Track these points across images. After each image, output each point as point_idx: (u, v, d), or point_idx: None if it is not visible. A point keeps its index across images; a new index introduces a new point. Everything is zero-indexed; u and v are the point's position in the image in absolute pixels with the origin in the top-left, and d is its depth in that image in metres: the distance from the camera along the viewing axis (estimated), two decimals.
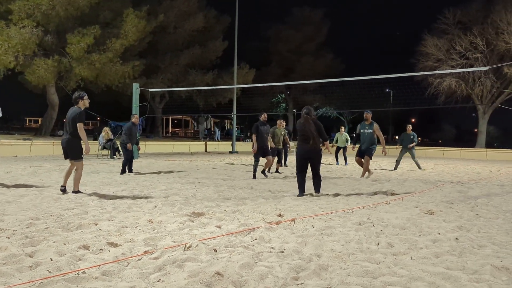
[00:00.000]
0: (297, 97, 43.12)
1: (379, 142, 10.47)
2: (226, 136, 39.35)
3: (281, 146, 11.55)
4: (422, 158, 15.74)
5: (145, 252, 3.41)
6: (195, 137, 39.24)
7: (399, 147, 13.55)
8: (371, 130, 10.17)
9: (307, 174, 7.05)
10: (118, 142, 13.80)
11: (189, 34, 30.98)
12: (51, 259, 3.16)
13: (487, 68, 20.74)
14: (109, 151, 16.22)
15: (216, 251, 3.50)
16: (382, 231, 4.32)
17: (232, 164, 14.83)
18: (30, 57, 21.89)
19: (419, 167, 13.64)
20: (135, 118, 10.73)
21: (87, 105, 6.81)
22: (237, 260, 3.16)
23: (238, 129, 40.46)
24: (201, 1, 32.15)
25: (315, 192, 6.97)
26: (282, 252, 3.49)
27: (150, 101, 22.95)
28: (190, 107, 32.79)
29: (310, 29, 41.80)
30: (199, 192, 7.13)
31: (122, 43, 23.59)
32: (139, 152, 15.35)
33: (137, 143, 11.74)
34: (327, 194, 7.14)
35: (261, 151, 9.95)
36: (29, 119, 59.43)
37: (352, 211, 5.46)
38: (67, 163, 6.90)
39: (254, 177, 9.88)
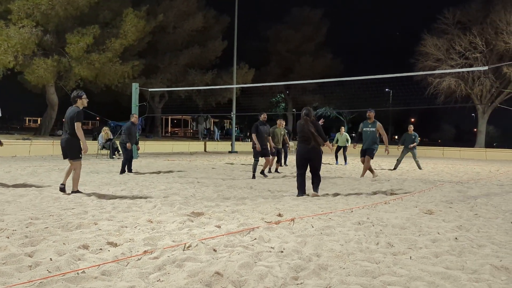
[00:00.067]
0: (297, 97, 43.12)
1: (381, 142, 10.46)
2: (226, 136, 39.36)
3: (280, 146, 11.56)
4: (421, 158, 15.75)
5: (145, 252, 3.41)
6: (194, 137, 39.23)
7: (400, 147, 13.58)
8: (373, 129, 10.14)
9: (306, 174, 7.05)
10: (117, 142, 13.80)
11: (188, 34, 30.97)
12: (51, 259, 3.16)
13: (486, 68, 20.77)
14: (109, 151, 16.22)
15: (216, 250, 3.50)
16: (381, 231, 4.32)
17: (232, 164, 14.83)
18: (29, 57, 21.87)
19: (419, 167, 13.66)
20: (134, 118, 10.73)
21: (86, 105, 6.81)
22: (236, 260, 3.16)
23: (237, 129, 40.46)
24: (201, 1, 32.15)
25: (314, 192, 6.97)
26: (282, 252, 3.49)
27: (149, 101, 22.94)
28: (189, 107, 32.78)
29: (309, 29, 41.81)
30: (199, 192, 7.13)
31: (121, 43, 23.58)
32: (139, 152, 15.35)
33: (137, 143, 11.74)
34: (327, 194, 7.15)
35: (260, 151, 9.96)
36: (28, 119, 59.40)
37: (352, 211, 5.46)
38: (66, 163, 6.90)
39: (254, 176, 9.88)
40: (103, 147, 16.45)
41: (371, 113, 10.29)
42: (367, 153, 10.20)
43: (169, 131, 48.13)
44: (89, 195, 6.46)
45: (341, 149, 15.64)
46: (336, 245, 3.73)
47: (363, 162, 10.46)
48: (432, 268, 3.13)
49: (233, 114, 27.85)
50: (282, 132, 11.58)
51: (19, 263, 3.06)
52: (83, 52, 22.40)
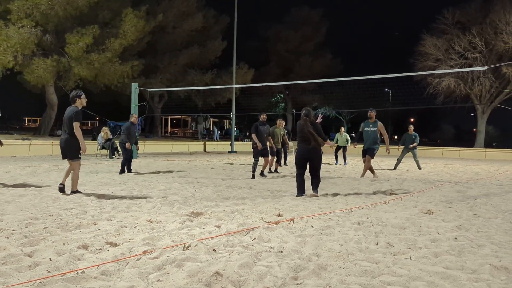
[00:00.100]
0: (296, 97, 43.12)
1: (382, 142, 10.45)
2: (225, 136, 39.34)
3: (280, 146, 11.56)
4: (421, 158, 15.76)
5: (144, 251, 3.40)
6: (194, 137, 39.22)
7: (401, 147, 13.61)
8: (375, 128, 10.14)
9: (306, 174, 7.05)
10: (117, 142, 13.79)
11: (188, 34, 30.96)
12: (50, 259, 3.15)
13: (486, 68, 20.77)
14: (108, 151, 16.21)
15: (215, 250, 3.50)
16: (381, 231, 4.32)
17: (231, 164, 14.83)
18: (29, 57, 21.85)
19: (419, 167, 13.67)
20: (133, 118, 10.73)
21: (84, 104, 6.80)
22: (236, 260, 3.16)
23: (237, 129, 40.44)
24: (200, 1, 32.14)
25: (313, 192, 6.97)
26: (281, 251, 3.49)
27: (149, 101, 22.93)
28: (189, 107, 32.76)
29: (309, 29, 41.79)
30: (198, 192, 7.12)
31: (121, 43, 23.57)
32: (138, 152, 15.34)
33: (136, 143, 11.73)
34: (326, 194, 7.15)
35: (260, 151, 9.95)
36: (28, 119, 59.31)
37: (351, 211, 5.46)
38: (65, 163, 6.89)
39: (253, 176, 9.88)
40: (103, 147, 16.44)
41: (372, 113, 10.27)
42: (368, 153, 10.19)
43: (169, 131, 48.12)
44: (88, 195, 6.46)
45: (341, 149, 15.65)
46: (335, 245, 3.73)
47: (365, 162, 10.46)
48: (432, 268, 3.14)
49: (233, 114, 27.85)
50: (281, 132, 11.58)
51: (19, 263, 3.06)
52: (83, 52, 22.39)
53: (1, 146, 8.23)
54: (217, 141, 31.23)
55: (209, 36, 32.62)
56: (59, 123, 30.60)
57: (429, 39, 30.81)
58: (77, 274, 2.82)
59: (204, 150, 25.25)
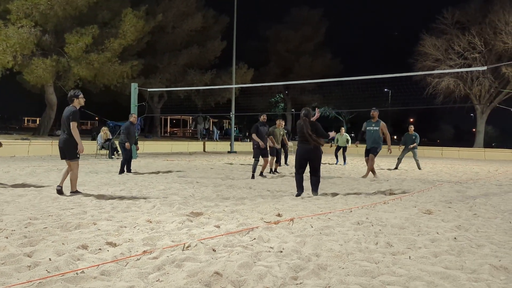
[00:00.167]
0: (296, 97, 43.11)
1: (384, 141, 10.45)
2: (225, 136, 39.34)
3: (279, 146, 11.56)
4: (420, 158, 15.74)
5: (144, 252, 3.40)
6: (193, 137, 39.21)
7: (402, 148, 13.64)
8: (377, 128, 10.14)
9: (305, 174, 7.05)
10: (116, 142, 13.78)
11: (187, 34, 30.95)
12: (50, 259, 3.15)
13: (485, 68, 20.75)
14: (108, 151, 16.20)
15: (215, 250, 3.50)
16: (380, 231, 4.32)
17: (231, 164, 14.83)
18: (28, 57, 21.83)
19: (419, 167, 13.68)
20: (133, 118, 10.72)
21: (83, 104, 6.78)
22: (236, 260, 3.16)
23: (236, 129, 40.44)
24: (200, 1, 32.13)
25: (313, 192, 6.97)
26: (281, 251, 3.49)
27: (148, 101, 22.92)
28: (188, 107, 32.75)
29: (308, 29, 41.78)
30: (198, 192, 7.12)
31: (120, 43, 23.56)
32: (138, 152, 15.34)
33: (136, 143, 11.72)
34: (326, 194, 7.15)
35: (260, 151, 9.95)
36: (27, 119, 59.30)
37: (351, 211, 5.46)
38: (64, 163, 6.88)
39: (253, 177, 9.88)
40: (102, 147, 16.44)
41: (375, 112, 10.26)
42: (371, 152, 10.20)
43: (168, 131, 48.08)
44: (88, 195, 6.45)
45: (341, 149, 15.67)
46: (335, 245, 3.73)
47: (367, 161, 10.45)
48: (431, 267, 3.14)
49: (232, 114, 27.84)
50: (281, 132, 11.58)
51: (18, 263, 3.06)
52: (82, 52, 22.38)
53: (0, 147, 8.22)
54: (217, 141, 31.23)
55: (208, 36, 32.61)
56: (58, 123, 30.58)
57: (429, 39, 30.82)
58: (77, 274, 2.82)
59: (204, 150, 25.25)
